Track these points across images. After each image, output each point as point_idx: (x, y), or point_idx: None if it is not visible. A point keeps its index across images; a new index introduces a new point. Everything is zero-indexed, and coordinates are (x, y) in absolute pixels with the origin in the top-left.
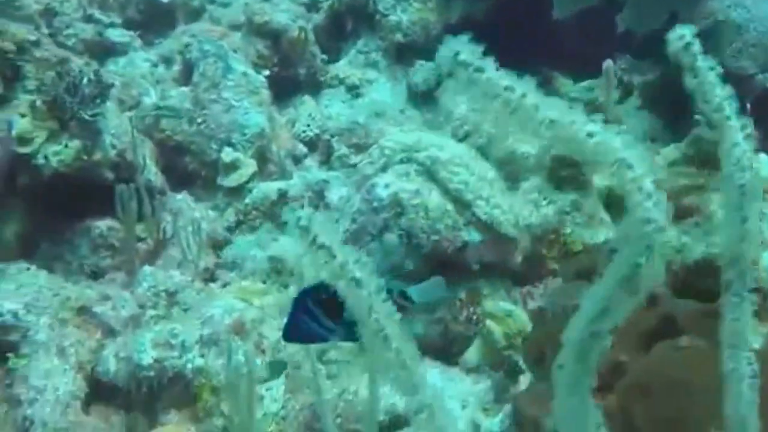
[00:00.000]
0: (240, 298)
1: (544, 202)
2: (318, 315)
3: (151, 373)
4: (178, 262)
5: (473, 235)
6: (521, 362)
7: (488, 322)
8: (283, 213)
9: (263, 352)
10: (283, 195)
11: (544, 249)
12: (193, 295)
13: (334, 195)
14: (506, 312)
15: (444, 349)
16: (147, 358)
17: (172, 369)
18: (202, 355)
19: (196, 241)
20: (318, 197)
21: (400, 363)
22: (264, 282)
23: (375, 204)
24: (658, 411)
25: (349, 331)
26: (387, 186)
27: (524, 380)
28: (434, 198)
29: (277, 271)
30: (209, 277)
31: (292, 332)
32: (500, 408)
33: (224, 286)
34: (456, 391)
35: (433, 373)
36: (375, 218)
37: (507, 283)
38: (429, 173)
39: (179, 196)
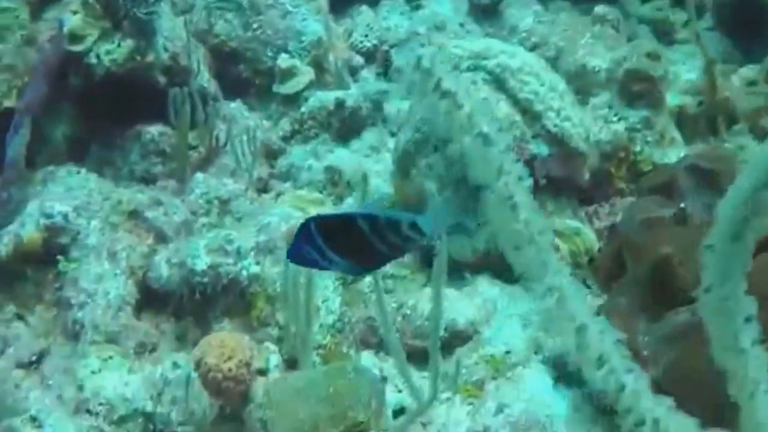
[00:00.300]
0: (296, 207)
1: (615, 118)
2: (320, 245)
3: (205, 279)
4: (231, 171)
5: (542, 148)
6: (588, 282)
7: (555, 240)
8: (394, 55)
9: None
10: (340, 105)
11: (613, 167)
12: (246, 204)
13: (392, 107)
14: (574, 230)
15: (506, 266)
16: (201, 264)
17: (227, 275)
18: (258, 263)
19: (251, 149)
20: (375, 108)
21: (528, 236)
22: (320, 192)
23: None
24: None
25: (350, 264)
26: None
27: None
28: (502, 108)
29: (333, 182)
30: (263, 187)
31: (294, 257)
32: None
33: (278, 196)
34: (517, 308)
35: (493, 290)
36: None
37: (573, 200)
38: (498, 82)
39: (233, 104)
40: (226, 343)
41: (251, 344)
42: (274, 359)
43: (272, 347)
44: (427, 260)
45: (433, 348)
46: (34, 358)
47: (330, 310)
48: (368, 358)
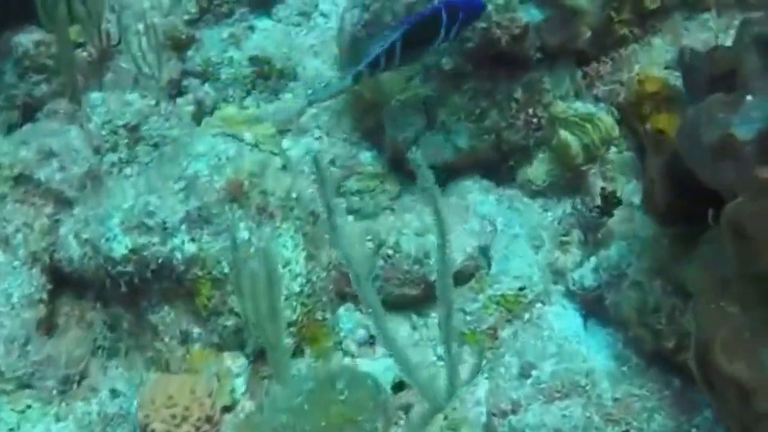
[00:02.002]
0: (226, 134)
1: None
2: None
3: (128, 268)
4: (134, 77)
5: (533, 14)
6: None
7: (561, 132)
8: None
9: (272, 216)
10: None
11: (612, 11)
12: (161, 124)
13: None
14: (584, 116)
15: (497, 166)
16: (120, 248)
17: (155, 260)
18: (193, 239)
19: (152, 44)
20: None
21: None
22: (248, 92)
23: None
24: None
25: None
26: None
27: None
28: None
29: (263, 75)
30: (176, 92)
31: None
32: (587, 241)
33: (198, 105)
34: (522, 223)
35: (488, 201)
36: (395, 3)
37: (572, 68)
38: None
39: None
40: (175, 399)
41: (209, 383)
42: (240, 383)
43: (235, 365)
44: (395, 162)
45: (446, 323)
46: None
47: (295, 274)
48: (350, 316)
